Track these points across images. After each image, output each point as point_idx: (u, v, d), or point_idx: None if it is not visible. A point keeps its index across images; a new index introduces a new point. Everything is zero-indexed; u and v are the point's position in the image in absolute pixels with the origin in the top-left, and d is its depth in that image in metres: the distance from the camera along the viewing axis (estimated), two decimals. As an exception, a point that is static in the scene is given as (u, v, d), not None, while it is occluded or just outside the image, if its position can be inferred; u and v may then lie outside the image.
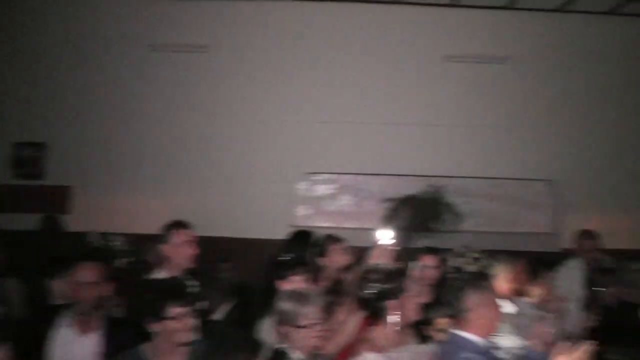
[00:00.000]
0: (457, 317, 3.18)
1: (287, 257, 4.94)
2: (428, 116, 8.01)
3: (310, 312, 3.35)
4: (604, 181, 8.04)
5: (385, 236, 5.79)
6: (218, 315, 5.20)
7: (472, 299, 3.15)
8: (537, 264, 4.74)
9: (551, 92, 8.17)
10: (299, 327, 3.30)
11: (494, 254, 4.81)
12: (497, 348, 3.29)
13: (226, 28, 8.18)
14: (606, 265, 5.68)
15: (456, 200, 7.77)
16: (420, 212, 7.59)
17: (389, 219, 7.62)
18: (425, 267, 4.94)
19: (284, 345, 3.33)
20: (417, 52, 8.11)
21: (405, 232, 7.42)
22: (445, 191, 7.77)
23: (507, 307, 4.29)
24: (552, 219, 8.08)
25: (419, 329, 3.99)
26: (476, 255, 5.80)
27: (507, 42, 8.16)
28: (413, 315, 3.80)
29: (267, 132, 7.98)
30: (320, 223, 7.74)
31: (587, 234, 6.13)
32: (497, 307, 3.22)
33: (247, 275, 5.42)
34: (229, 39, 8.17)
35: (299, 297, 3.45)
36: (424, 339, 3.89)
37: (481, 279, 3.29)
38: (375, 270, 4.06)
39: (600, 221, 6.83)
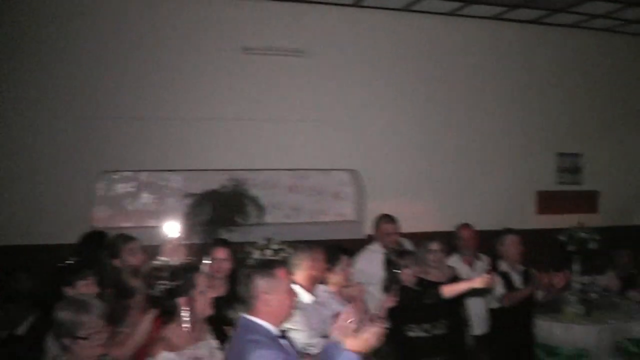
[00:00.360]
0: (247, 304, 3.15)
1: (71, 261, 4.71)
2: (228, 109, 7.88)
3: (90, 321, 3.17)
4: (402, 170, 8.47)
5: (176, 232, 5.73)
6: (21, 329, 4.91)
7: (259, 286, 3.13)
8: (336, 250, 4.85)
9: (349, 85, 8.39)
10: (78, 338, 3.11)
11: (296, 244, 4.84)
12: (288, 337, 3.28)
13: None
14: (404, 248, 5.96)
15: (259, 193, 7.81)
16: (223, 207, 7.54)
17: (191, 215, 7.50)
18: (216, 260, 4.92)
19: (64, 359, 3.13)
20: (215, 44, 7.97)
21: (208, 227, 7.36)
22: (247, 184, 7.78)
23: (304, 295, 4.36)
24: (355, 207, 8.43)
25: (220, 325, 3.95)
26: (277, 246, 5.85)
27: (305, 35, 8.25)
28: (206, 310, 3.75)
29: (60, 129, 7.40)
30: (121, 223, 7.55)
31: (386, 218, 6.43)
32: (288, 295, 3.22)
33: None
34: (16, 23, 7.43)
35: (77, 305, 3.25)
36: (225, 335, 3.85)
37: (269, 266, 3.27)
38: (163, 267, 3.97)
39: (399, 207, 7.13)
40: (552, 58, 9.55)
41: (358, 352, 3.06)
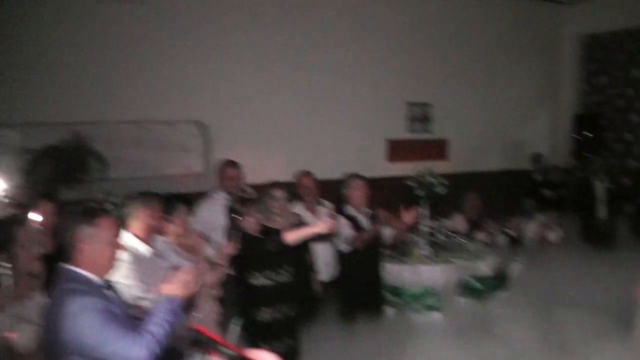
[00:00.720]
0: (67, 253, 3.07)
1: None
2: (67, 58, 7.53)
3: None
4: (250, 120, 8.47)
5: (7, 189, 5.52)
6: None
7: (80, 234, 3.05)
8: (173, 200, 4.81)
9: (192, 33, 8.14)
10: None
11: (132, 195, 4.74)
12: (114, 288, 3.23)
13: None
14: (248, 195, 5.98)
15: (102, 148, 7.57)
16: (63, 163, 7.27)
17: (29, 173, 7.19)
18: (41, 215, 4.78)
19: None
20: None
21: (49, 184, 7.09)
22: (89, 139, 7.52)
23: (140, 247, 4.31)
24: (203, 160, 8.33)
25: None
26: (116, 200, 5.72)
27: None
28: (31, 266, 3.65)
29: None
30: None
31: (229, 164, 6.41)
32: (110, 245, 3.14)
33: None
34: None
35: None
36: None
37: (92, 215, 3.18)
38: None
39: (248, 158, 7.10)
40: (400, 10, 9.82)
41: (179, 297, 3.08)
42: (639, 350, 4.89)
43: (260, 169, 7.30)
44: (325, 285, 6.38)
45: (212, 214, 5.90)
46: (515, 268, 7.47)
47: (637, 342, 4.90)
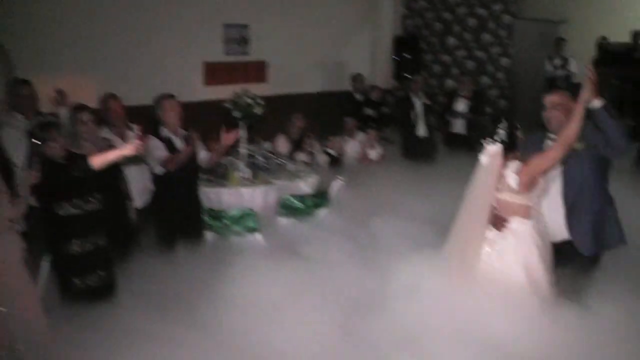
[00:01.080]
0: None
1: None
2: None
3: None
4: (59, 42, 7.98)
5: None
6: None
7: None
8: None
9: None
10: None
11: None
12: None
13: None
14: (49, 119, 5.66)
15: None
16: None
17: None
18: None
19: None
20: None
21: None
22: None
23: None
24: (2, 87, 7.72)
25: None
26: None
27: None
28: None
29: None
30: None
31: (21, 82, 6.04)
32: None
33: None
34: None
35: None
36: None
37: None
38: None
39: (52, 83, 6.72)
40: None
41: None
42: (448, 259, 4.91)
43: (72, 93, 6.84)
44: (140, 212, 6.23)
45: (10, 141, 5.53)
46: (336, 186, 7.67)
47: (448, 251, 4.88)
